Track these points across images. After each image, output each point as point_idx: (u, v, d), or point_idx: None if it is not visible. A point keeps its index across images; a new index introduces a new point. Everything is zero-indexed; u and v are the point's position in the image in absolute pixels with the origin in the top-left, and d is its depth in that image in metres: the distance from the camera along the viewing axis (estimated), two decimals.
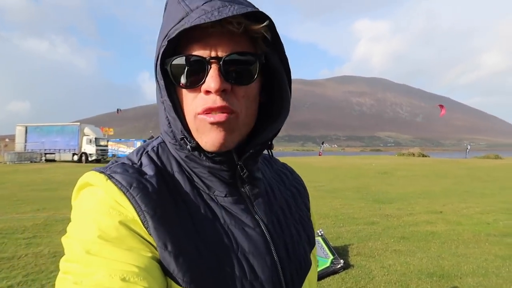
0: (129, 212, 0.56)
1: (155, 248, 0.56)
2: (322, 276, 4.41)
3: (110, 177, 0.59)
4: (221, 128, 0.58)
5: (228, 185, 0.66)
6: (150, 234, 0.56)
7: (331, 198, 10.78)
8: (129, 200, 0.56)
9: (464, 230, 6.86)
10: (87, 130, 33.64)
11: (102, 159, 32.50)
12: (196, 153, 0.61)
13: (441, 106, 42.49)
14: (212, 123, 0.57)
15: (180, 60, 0.58)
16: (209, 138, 0.59)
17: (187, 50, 0.58)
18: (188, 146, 0.60)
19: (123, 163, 0.64)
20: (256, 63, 0.59)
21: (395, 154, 48.11)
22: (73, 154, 32.54)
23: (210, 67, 0.56)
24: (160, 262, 0.56)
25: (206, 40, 0.57)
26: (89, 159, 31.85)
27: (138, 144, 35.22)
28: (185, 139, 0.60)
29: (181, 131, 0.60)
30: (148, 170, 0.63)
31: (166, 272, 0.55)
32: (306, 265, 0.73)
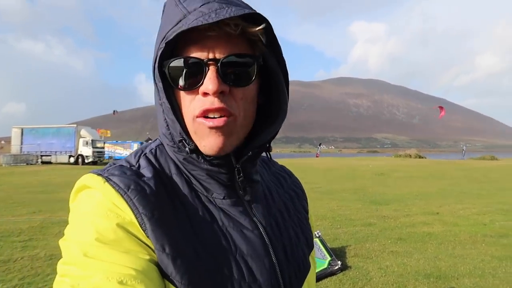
0: (127, 214, 0.56)
1: (153, 251, 0.56)
2: (319, 277, 4.41)
3: (107, 179, 0.59)
4: (220, 132, 0.58)
5: (226, 187, 0.65)
6: (147, 237, 0.56)
7: (328, 199, 10.79)
8: (127, 202, 0.56)
9: (460, 231, 6.89)
10: (83, 132, 33.53)
11: (98, 161, 32.40)
12: (194, 155, 0.61)
13: (441, 107, 42.70)
14: (211, 128, 0.58)
15: (178, 62, 0.58)
16: (207, 142, 0.59)
17: (185, 52, 0.58)
18: (187, 149, 0.60)
19: (121, 166, 0.64)
20: (254, 65, 0.60)
21: (392, 155, 48.25)
22: (70, 156, 32.41)
23: (208, 69, 0.57)
24: (158, 265, 0.55)
25: (204, 42, 0.57)
26: (86, 161, 31.73)
27: (135, 146, 35.32)
28: (183, 141, 0.60)
29: (180, 133, 0.60)
30: (146, 172, 0.63)
31: (164, 274, 0.55)
32: (305, 268, 0.73)
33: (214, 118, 0.58)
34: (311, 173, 20.15)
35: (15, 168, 25.87)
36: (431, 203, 10.10)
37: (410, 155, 41.66)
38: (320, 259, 4.64)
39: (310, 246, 0.79)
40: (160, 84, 0.59)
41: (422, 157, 40.28)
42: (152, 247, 0.56)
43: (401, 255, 5.41)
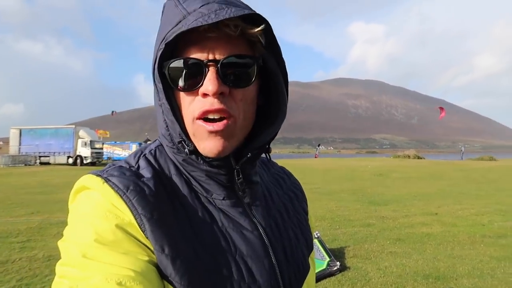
0: (126, 215, 0.56)
1: (152, 252, 0.55)
2: (318, 278, 4.41)
3: (107, 180, 0.58)
4: (220, 136, 0.58)
5: (226, 188, 0.65)
6: (147, 237, 0.55)
7: (327, 200, 10.80)
8: (126, 203, 0.56)
9: (459, 232, 6.90)
10: (82, 132, 33.46)
11: (97, 161, 32.33)
12: (193, 156, 0.61)
13: (441, 108, 42.83)
14: (211, 132, 0.58)
15: (177, 63, 0.58)
16: (206, 144, 0.59)
17: (184, 53, 0.58)
18: (186, 150, 0.60)
19: (120, 166, 0.64)
20: (254, 66, 0.60)
21: (391, 156, 48.31)
22: (68, 157, 32.34)
23: (208, 70, 0.57)
24: (157, 266, 0.55)
25: (204, 43, 0.57)
26: (84, 162, 31.66)
27: (134, 146, 35.29)
28: (183, 142, 0.60)
29: (179, 135, 0.60)
30: (146, 173, 0.63)
31: (163, 275, 0.55)
32: (304, 269, 0.73)
33: (213, 119, 0.58)
34: (309, 174, 20.15)
35: (13, 169, 25.82)
36: (430, 204, 10.11)
37: (408, 156, 41.72)
38: (319, 260, 4.64)
39: (310, 247, 0.79)
40: (160, 85, 0.59)
41: (421, 158, 40.35)
42: (152, 248, 0.55)
43: (400, 256, 5.42)
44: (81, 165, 31.23)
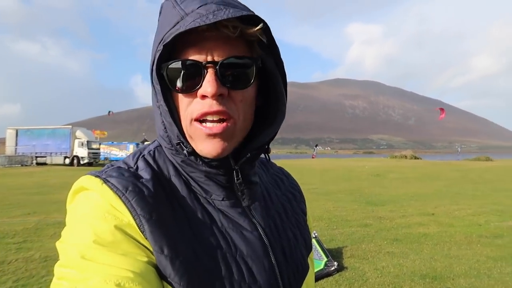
0: (125, 216, 0.56)
1: (151, 253, 0.55)
2: (316, 278, 4.41)
3: (105, 181, 0.58)
4: (219, 138, 0.58)
5: (225, 189, 0.65)
6: (146, 238, 0.55)
7: (325, 200, 10.81)
8: (125, 204, 0.56)
9: (456, 232, 6.93)
10: (79, 133, 33.36)
11: (94, 162, 32.25)
12: (192, 157, 0.61)
13: (442, 109, 43.06)
14: (209, 135, 0.58)
15: (176, 65, 0.57)
16: (204, 146, 0.59)
17: (183, 55, 0.58)
18: (185, 151, 0.60)
19: (119, 167, 0.63)
20: (253, 67, 0.59)
21: (388, 156, 48.41)
22: (65, 158, 32.24)
23: (207, 72, 0.56)
24: (156, 267, 0.55)
25: (202, 44, 0.57)
26: (81, 162, 31.58)
27: (131, 147, 35.20)
28: (181, 144, 0.60)
29: (177, 136, 0.60)
30: (144, 174, 0.62)
31: (162, 276, 0.55)
32: (303, 269, 0.73)
33: (212, 121, 0.58)
34: (307, 174, 20.17)
35: (9, 170, 25.69)
36: (426, 204, 10.14)
37: (405, 156, 41.85)
38: (316, 260, 4.64)
39: (309, 248, 0.79)
40: (158, 87, 0.59)
41: (418, 158, 40.47)
42: (151, 248, 0.55)
43: (397, 256, 5.43)
44: (78, 165, 31.14)
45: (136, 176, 0.61)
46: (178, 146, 0.61)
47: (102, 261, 0.51)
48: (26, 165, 30.86)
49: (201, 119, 0.58)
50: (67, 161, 31.96)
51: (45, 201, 10.25)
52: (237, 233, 0.63)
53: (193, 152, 0.60)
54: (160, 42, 0.57)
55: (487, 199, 10.98)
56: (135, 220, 0.55)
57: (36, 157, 32.61)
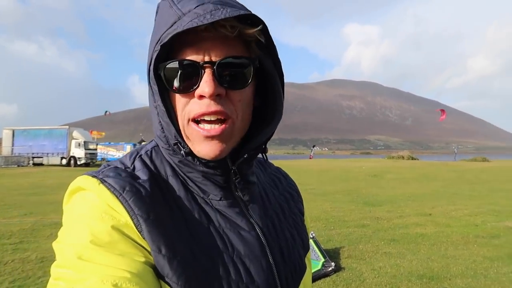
0: (122, 216, 0.55)
1: (149, 253, 0.55)
2: (313, 279, 4.40)
3: (102, 181, 0.58)
4: (217, 139, 0.58)
5: (222, 189, 0.65)
6: (143, 238, 0.55)
7: (322, 201, 10.82)
8: (122, 204, 0.56)
9: (453, 232, 6.95)
10: (75, 133, 33.22)
11: (91, 162, 32.12)
12: (189, 158, 0.61)
13: (442, 111, 43.28)
14: (206, 136, 0.58)
15: (173, 65, 0.57)
16: (202, 148, 0.59)
17: (180, 55, 0.58)
18: (182, 152, 0.60)
19: (116, 167, 0.63)
20: (250, 67, 0.59)
21: (385, 157, 48.49)
22: (62, 158, 32.09)
23: (204, 72, 0.56)
24: (154, 267, 0.55)
25: (200, 44, 0.57)
26: (78, 163, 31.44)
27: (128, 147, 35.11)
28: (178, 144, 0.60)
29: (175, 137, 0.60)
30: (141, 174, 0.62)
31: (160, 276, 0.54)
32: (301, 269, 0.73)
33: (210, 122, 0.57)
34: (304, 175, 20.18)
35: (5, 170, 25.56)
36: (423, 205, 10.18)
37: (403, 157, 41.93)
38: (314, 261, 4.65)
39: (306, 248, 0.79)
40: (155, 87, 0.58)
41: (415, 159, 40.58)
42: (148, 249, 0.55)
43: (394, 256, 5.44)
44: (74, 166, 31.01)
45: (133, 176, 0.61)
46: (175, 146, 0.61)
47: (99, 262, 0.51)
48: (22, 166, 30.70)
49: (198, 119, 0.58)
50: (64, 161, 31.82)
51: (41, 202, 10.20)
52: (235, 233, 0.63)
53: (190, 153, 0.60)
54: (157, 42, 0.57)
55: (483, 200, 11.03)
56: (132, 220, 0.55)
57: (33, 157, 32.45)
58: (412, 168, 25.18)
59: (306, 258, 0.78)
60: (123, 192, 0.56)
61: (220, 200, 0.65)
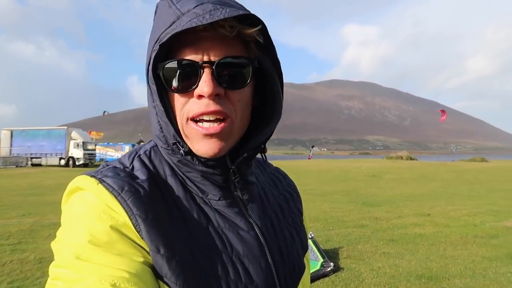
0: (121, 216, 0.55)
1: (147, 253, 0.55)
2: (312, 279, 4.42)
3: (101, 181, 0.58)
4: (216, 138, 0.58)
5: (221, 188, 0.65)
6: (142, 238, 0.55)
7: (321, 201, 10.82)
8: (121, 204, 0.55)
9: (451, 232, 6.96)
10: (74, 134, 33.15)
11: (89, 163, 32.06)
12: (188, 157, 0.61)
13: (443, 111, 43.42)
14: (205, 135, 0.58)
15: (172, 65, 0.57)
16: (201, 146, 0.59)
17: (179, 55, 0.58)
18: (181, 151, 0.60)
19: (115, 167, 0.63)
20: (249, 67, 0.59)
21: (384, 157, 48.57)
22: (60, 159, 32.02)
23: (203, 72, 0.56)
24: (152, 267, 0.55)
25: (199, 44, 0.57)
26: (77, 163, 31.37)
27: (127, 148, 35.08)
28: (177, 143, 0.60)
29: (173, 136, 0.60)
30: (140, 174, 0.62)
31: (158, 276, 0.54)
32: (300, 269, 0.73)
33: (209, 121, 0.57)
34: (303, 175, 20.18)
35: (4, 171, 25.50)
36: (422, 205, 10.19)
37: (401, 157, 42.00)
38: (312, 261, 4.65)
39: (305, 248, 0.79)
40: (154, 87, 0.58)
41: (414, 159, 40.65)
42: (147, 248, 0.55)
43: (393, 257, 5.44)
44: (73, 166, 30.94)
45: (132, 176, 0.61)
46: (174, 146, 0.61)
47: (98, 261, 0.51)
48: (21, 166, 30.63)
49: (197, 119, 0.58)
50: (62, 162, 31.75)
51: (40, 202, 10.17)
52: (234, 232, 0.63)
53: (189, 152, 0.60)
54: (156, 42, 0.56)
55: (482, 200, 11.05)
56: (131, 220, 0.55)
57: (31, 158, 32.38)
58: (411, 169, 25.22)
59: (304, 258, 0.78)
60: (122, 192, 0.56)
61: (219, 200, 0.65)
